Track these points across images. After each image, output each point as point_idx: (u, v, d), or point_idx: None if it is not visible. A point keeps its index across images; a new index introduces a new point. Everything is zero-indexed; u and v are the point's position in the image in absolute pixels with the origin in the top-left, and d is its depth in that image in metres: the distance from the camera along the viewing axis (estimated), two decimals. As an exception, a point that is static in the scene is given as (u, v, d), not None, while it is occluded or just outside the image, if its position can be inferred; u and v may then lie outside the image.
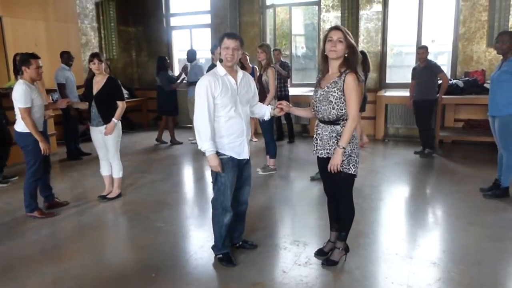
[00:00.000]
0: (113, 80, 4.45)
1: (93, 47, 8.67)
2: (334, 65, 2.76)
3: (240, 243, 3.33)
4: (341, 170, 2.75)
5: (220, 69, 2.91)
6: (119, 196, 4.68)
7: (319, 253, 3.17)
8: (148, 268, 3.06)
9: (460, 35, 6.97)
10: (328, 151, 2.80)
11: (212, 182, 3.08)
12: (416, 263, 3.04)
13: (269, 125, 5.39)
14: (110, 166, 4.62)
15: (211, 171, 3.01)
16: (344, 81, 2.68)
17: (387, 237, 3.54)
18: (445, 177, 5.16)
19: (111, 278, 2.96)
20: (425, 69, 5.88)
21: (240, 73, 2.99)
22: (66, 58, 6.35)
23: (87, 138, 7.84)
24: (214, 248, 3.18)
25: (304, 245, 3.35)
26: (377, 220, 3.96)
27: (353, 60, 2.72)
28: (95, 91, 4.39)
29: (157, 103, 8.68)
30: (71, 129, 6.57)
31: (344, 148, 2.71)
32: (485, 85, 6.61)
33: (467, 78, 6.57)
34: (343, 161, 2.74)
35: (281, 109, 3.06)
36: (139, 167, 6.05)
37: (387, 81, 7.78)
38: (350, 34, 2.74)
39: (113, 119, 4.35)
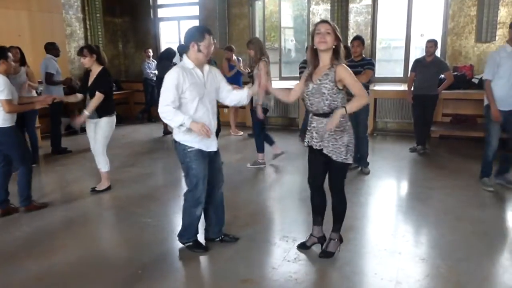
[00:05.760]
0: (101, 71, 4.41)
1: (78, 38, 8.49)
2: (324, 58, 2.79)
3: (222, 236, 3.31)
4: (340, 161, 2.82)
5: (188, 62, 2.94)
6: (108, 188, 4.62)
7: (302, 246, 3.18)
8: (135, 265, 3.01)
9: (449, 30, 6.99)
10: (325, 143, 2.83)
11: (184, 175, 3.11)
12: (405, 258, 3.04)
13: (260, 118, 5.35)
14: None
15: (182, 165, 3.06)
16: (335, 72, 2.72)
17: (376, 232, 3.54)
18: (433, 172, 5.18)
19: (96, 275, 2.90)
20: (432, 64, 5.68)
21: (206, 66, 3.04)
22: (53, 49, 6.20)
23: (73, 132, 7.75)
24: (182, 237, 3.20)
25: (293, 240, 3.32)
26: (366, 215, 3.95)
27: (341, 53, 2.78)
28: (89, 83, 4.37)
29: (150, 95, 8.58)
30: (57, 123, 6.44)
31: (345, 110, 2.69)
32: (473, 80, 6.66)
33: (455, 73, 6.59)
34: (342, 151, 2.80)
35: (262, 87, 3.04)
36: (126, 161, 5.95)
37: (376, 75, 7.75)
38: (337, 28, 2.79)
39: (85, 110, 4.28)
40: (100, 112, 4.33)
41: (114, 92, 8.87)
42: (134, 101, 9.61)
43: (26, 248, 3.36)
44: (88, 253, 3.26)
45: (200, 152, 2.99)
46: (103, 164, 4.54)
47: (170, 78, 2.85)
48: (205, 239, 3.30)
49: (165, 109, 2.84)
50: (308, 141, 2.95)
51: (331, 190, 3.00)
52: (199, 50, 2.88)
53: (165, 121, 2.92)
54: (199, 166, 2.99)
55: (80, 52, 4.32)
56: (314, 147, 2.90)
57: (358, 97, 2.74)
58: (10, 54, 3.92)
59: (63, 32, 7.98)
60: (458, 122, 6.91)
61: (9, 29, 6.82)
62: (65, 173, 5.47)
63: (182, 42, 3.25)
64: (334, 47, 2.75)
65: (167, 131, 7.54)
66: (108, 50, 9.44)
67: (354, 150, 2.91)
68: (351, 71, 2.76)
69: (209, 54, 2.94)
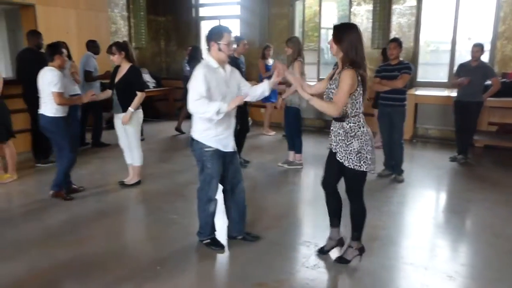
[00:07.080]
0: (134, 70, 4.48)
1: (123, 35, 8.76)
2: (340, 62, 2.78)
3: (244, 235, 3.33)
4: (352, 167, 2.75)
5: (212, 62, 2.97)
6: (138, 183, 4.71)
7: (320, 251, 3.14)
8: (155, 260, 3.05)
9: (500, 34, 6.57)
10: (339, 148, 2.82)
11: (198, 172, 3.15)
12: (432, 274, 2.88)
13: (294, 119, 5.29)
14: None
15: (197, 162, 3.10)
16: (340, 77, 2.69)
17: (403, 245, 3.39)
18: (473, 183, 4.89)
19: (116, 267, 2.97)
20: (477, 69, 5.38)
21: (228, 66, 3.06)
22: (93, 46, 6.43)
23: (111, 126, 8.00)
24: (200, 234, 3.25)
25: (315, 246, 3.24)
26: (395, 226, 3.79)
27: (350, 56, 2.67)
28: (117, 79, 4.46)
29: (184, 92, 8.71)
30: (99, 116, 6.68)
31: (308, 98, 2.72)
32: (524, 87, 6.23)
33: (503, 80, 6.20)
34: (353, 158, 2.74)
35: (278, 73, 3.01)
36: (159, 156, 6.07)
37: (418, 79, 7.46)
38: (344, 31, 2.71)
39: (129, 108, 4.38)
40: (125, 106, 4.42)
41: (155, 89, 9.12)
42: (174, 97, 9.78)
43: (55, 236, 3.50)
44: (113, 245, 3.35)
45: (216, 152, 3.02)
46: (137, 158, 4.64)
47: (198, 74, 2.88)
48: (228, 237, 3.35)
49: (197, 103, 2.84)
50: (331, 144, 2.95)
51: (347, 196, 2.94)
52: (219, 49, 2.92)
53: (199, 115, 2.90)
54: (213, 166, 3.03)
55: (109, 50, 4.46)
56: (333, 150, 2.89)
57: (331, 104, 2.68)
58: (64, 50, 4.17)
59: (108, 29, 8.27)
60: (505, 132, 6.48)
61: (58, 26, 7.15)
62: (101, 165, 5.66)
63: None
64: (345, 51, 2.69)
65: (179, 129, 7.59)
66: (150, 48, 9.71)
67: (371, 158, 2.78)
68: (351, 79, 2.63)
69: (230, 52, 2.98)
